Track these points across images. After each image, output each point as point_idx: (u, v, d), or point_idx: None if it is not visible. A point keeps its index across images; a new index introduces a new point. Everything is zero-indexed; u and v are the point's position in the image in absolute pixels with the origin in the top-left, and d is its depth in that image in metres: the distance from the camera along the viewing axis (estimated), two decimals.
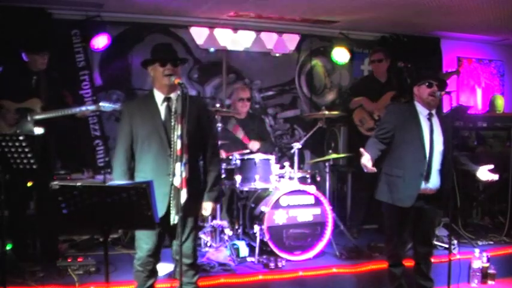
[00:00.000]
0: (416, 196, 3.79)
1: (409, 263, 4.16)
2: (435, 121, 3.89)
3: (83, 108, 4.49)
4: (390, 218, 3.98)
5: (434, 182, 3.84)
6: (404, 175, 3.81)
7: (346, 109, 5.78)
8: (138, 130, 3.25)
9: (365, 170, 3.68)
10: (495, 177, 3.82)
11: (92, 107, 4.52)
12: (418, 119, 3.85)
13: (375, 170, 3.70)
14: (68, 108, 4.45)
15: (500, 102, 6.43)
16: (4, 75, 4.50)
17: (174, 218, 3.17)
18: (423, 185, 3.82)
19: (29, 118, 4.33)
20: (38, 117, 4.35)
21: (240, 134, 5.36)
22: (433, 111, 3.89)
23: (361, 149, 3.71)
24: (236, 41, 6.12)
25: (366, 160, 3.63)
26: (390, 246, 4.06)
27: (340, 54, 6.41)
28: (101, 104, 4.48)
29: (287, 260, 4.52)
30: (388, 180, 3.90)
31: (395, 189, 3.85)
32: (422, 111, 3.87)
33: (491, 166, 3.80)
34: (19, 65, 4.44)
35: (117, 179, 3.27)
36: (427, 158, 3.79)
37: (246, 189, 4.89)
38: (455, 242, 4.77)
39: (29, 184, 4.67)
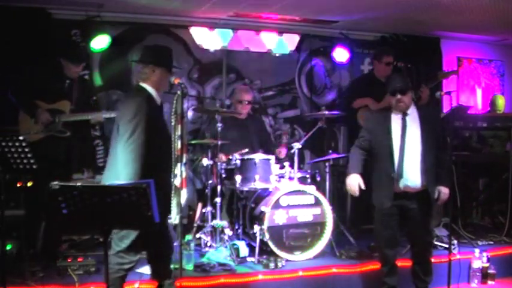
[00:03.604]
0: (394, 195, 3.92)
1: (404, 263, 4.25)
2: (411, 120, 3.97)
3: (113, 114, 4.60)
4: (375, 219, 4.15)
5: (413, 180, 3.89)
6: (380, 176, 3.99)
7: (346, 108, 5.75)
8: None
9: (350, 192, 4.05)
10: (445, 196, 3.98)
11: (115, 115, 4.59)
12: (389, 121, 4.00)
13: (357, 194, 4.00)
14: (95, 112, 4.55)
15: (500, 101, 6.43)
16: (39, 77, 4.61)
17: (176, 218, 3.18)
18: (402, 184, 3.90)
19: (57, 119, 4.46)
20: (66, 119, 4.46)
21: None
22: (409, 111, 3.98)
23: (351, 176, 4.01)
24: (236, 41, 6.13)
25: (355, 181, 3.96)
26: (378, 248, 4.25)
27: (340, 54, 6.41)
28: None
29: (287, 260, 4.52)
30: (371, 183, 4.08)
31: (375, 191, 4.05)
32: (395, 113, 4.01)
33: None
34: (54, 68, 4.58)
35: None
36: (396, 157, 3.91)
37: (246, 189, 4.89)
38: (455, 242, 4.76)
39: (29, 184, 4.70)
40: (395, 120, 4.00)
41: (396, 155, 3.92)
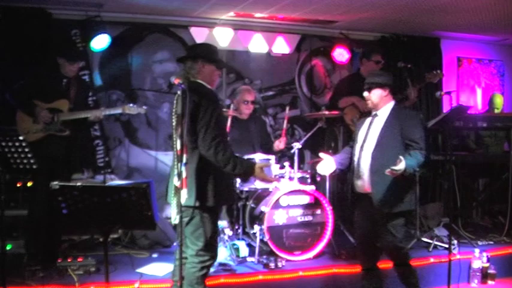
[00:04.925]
0: (358, 196, 3.90)
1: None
2: (378, 121, 3.85)
3: (112, 111, 4.63)
4: None
5: (371, 181, 3.72)
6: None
7: (335, 108, 5.72)
8: None
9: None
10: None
11: (118, 110, 4.61)
12: (365, 120, 3.96)
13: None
14: (93, 110, 4.55)
15: (499, 100, 6.43)
16: (37, 77, 4.62)
17: (175, 218, 3.17)
18: (359, 183, 3.84)
19: (55, 118, 4.45)
20: (64, 118, 4.46)
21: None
22: (380, 111, 3.86)
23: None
24: (236, 41, 6.13)
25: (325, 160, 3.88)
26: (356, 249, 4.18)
27: (340, 54, 6.41)
28: (127, 106, 4.60)
29: (287, 260, 4.52)
30: None
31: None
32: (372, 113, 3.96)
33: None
34: (52, 67, 4.57)
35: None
36: (356, 158, 3.87)
37: (246, 189, 4.89)
38: (455, 242, 4.76)
39: (29, 184, 4.71)
40: (369, 120, 3.93)
41: (356, 156, 3.88)
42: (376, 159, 3.71)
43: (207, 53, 3.47)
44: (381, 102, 3.84)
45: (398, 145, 3.70)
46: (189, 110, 3.10)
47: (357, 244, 4.05)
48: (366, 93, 3.85)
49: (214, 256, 3.42)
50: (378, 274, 4.00)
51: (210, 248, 3.33)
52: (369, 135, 3.84)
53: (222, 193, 3.34)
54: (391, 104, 3.87)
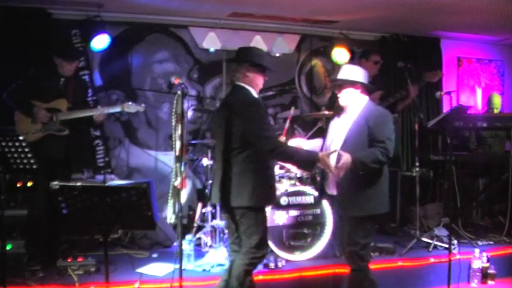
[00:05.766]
0: (329, 197, 3.75)
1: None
2: (347, 120, 3.61)
3: (111, 109, 4.63)
4: None
5: (336, 183, 3.54)
6: None
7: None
8: None
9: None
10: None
11: (117, 109, 4.60)
12: (335, 117, 3.77)
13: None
14: (92, 109, 4.55)
15: (497, 100, 6.42)
16: (35, 76, 4.63)
17: (171, 218, 3.19)
18: (327, 184, 3.66)
19: (54, 118, 4.44)
20: (63, 117, 4.46)
21: None
22: (348, 109, 3.62)
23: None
24: (236, 41, 6.12)
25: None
26: None
27: (340, 54, 6.40)
28: (126, 104, 4.59)
29: (287, 260, 4.52)
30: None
31: None
32: None
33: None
34: (49, 67, 4.55)
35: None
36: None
37: None
38: (455, 242, 4.76)
39: (29, 184, 4.71)
40: (338, 119, 3.73)
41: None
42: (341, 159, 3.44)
43: (252, 57, 3.54)
44: (351, 100, 3.61)
45: (364, 146, 3.47)
46: (226, 116, 3.35)
47: (341, 246, 3.84)
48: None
49: (266, 253, 3.54)
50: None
51: (262, 245, 3.44)
52: (337, 134, 3.63)
53: (269, 193, 3.46)
54: (363, 101, 3.62)
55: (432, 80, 5.61)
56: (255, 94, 3.48)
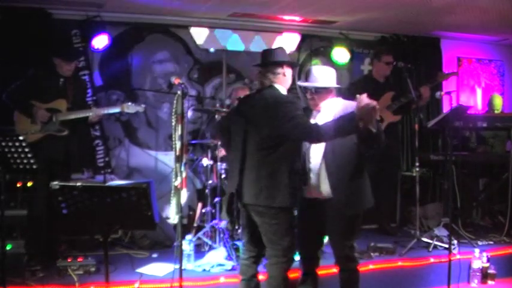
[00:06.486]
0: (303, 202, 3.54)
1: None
2: (322, 117, 3.43)
3: (110, 110, 4.64)
4: None
5: (331, 185, 3.39)
6: None
7: None
8: None
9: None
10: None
11: (116, 109, 4.61)
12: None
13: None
14: (92, 109, 4.55)
15: (498, 101, 6.43)
16: (34, 77, 4.62)
17: (174, 218, 3.19)
18: (306, 188, 3.49)
19: (54, 118, 4.44)
20: (63, 117, 4.46)
21: None
22: (320, 110, 3.50)
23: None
24: (236, 41, 6.13)
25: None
26: None
27: (340, 54, 6.41)
28: (125, 104, 4.58)
29: None
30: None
31: None
32: None
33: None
34: (49, 67, 4.55)
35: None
36: (301, 159, 3.47)
37: None
38: (455, 242, 4.76)
39: (29, 184, 4.71)
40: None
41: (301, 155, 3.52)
42: (330, 160, 3.37)
43: (286, 57, 3.57)
44: (324, 102, 3.50)
45: (349, 141, 3.33)
46: (258, 117, 3.35)
47: (300, 251, 3.72)
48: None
49: (295, 253, 3.58)
50: (316, 280, 3.82)
51: (294, 245, 3.46)
52: None
53: (296, 194, 3.41)
54: (332, 98, 3.52)
55: (445, 79, 5.62)
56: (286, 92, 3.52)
